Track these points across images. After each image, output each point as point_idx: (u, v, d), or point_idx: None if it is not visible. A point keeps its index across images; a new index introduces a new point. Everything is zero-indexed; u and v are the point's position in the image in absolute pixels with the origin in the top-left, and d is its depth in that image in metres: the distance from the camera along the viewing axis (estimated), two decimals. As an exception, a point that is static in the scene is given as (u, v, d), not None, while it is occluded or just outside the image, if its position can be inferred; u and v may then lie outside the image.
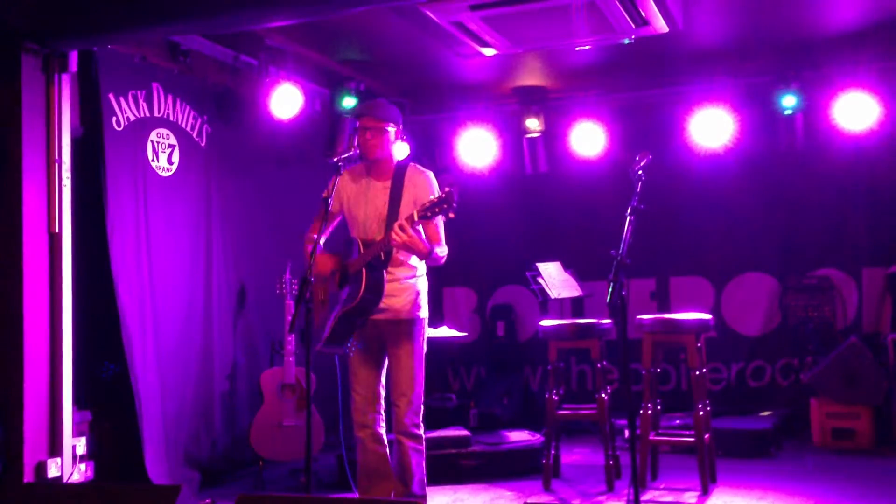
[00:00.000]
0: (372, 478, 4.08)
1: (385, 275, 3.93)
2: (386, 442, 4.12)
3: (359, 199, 4.10)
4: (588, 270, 6.53)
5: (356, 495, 4.36)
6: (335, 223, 4.23)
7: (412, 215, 3.74)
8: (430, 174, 4.10)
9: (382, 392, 4.14)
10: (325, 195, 4.07)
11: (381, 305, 3.94)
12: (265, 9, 4.31)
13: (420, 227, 3.80)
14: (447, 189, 3.65)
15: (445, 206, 3.63)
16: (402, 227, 3.71)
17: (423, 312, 4.11)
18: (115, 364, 5.02)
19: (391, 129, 4.06)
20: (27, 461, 4.35)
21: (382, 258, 3.89)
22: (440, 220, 3.94)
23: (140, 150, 5.18)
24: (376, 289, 3.88)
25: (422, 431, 4.08)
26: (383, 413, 4.14)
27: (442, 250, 3.98)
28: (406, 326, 4.04)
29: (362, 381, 4.08)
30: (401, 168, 4.10)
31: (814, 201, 6.78)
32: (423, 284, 4.12)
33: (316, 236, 3.96)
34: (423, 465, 4.09)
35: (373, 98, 6.54)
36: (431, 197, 3.74)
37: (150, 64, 5.27)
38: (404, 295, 4.03)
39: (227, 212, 5.83)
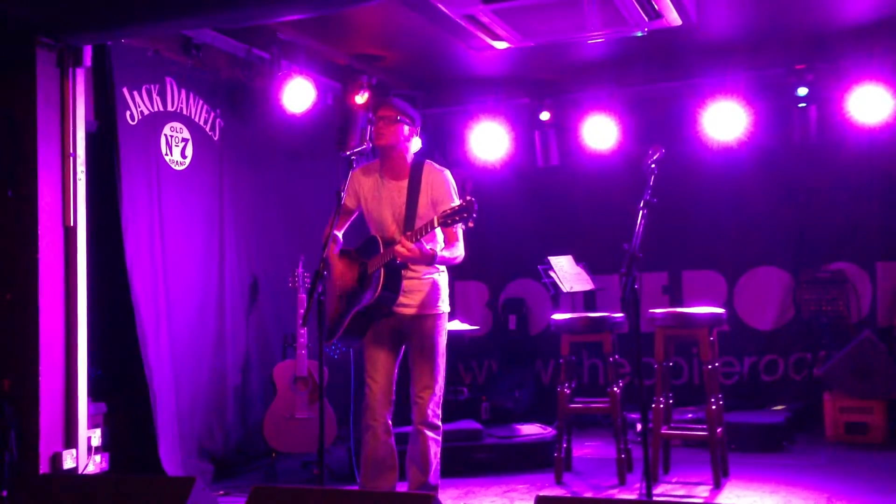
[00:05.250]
0: (378, 468, 4.10)
1: (403, 273, 3.99)
2: (394, 434, 4.15)
3: (375, 198, 4.12)
4: (600, 264, 6.53)
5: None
6: (351, 219, 4.27)
7: (425, 226, 3.79)
8: (447, 173, 4.12)
9: (395, 381, 4.16)
10: (343, 193, 4.11)
11: (403, 301, 4.01)
12: (278, 3, 4.32)
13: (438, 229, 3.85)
14: (469, 198, 3.69)
15: (465, 214, 3.68)
16: (403, 244, 3.78)
17: (445, 307, 4.16)
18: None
19: (405, 125, 4.09)
20: (43, 452, 4.39)
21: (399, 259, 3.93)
22: (459, 226, 3.97)
23: (154, 144, 5.21)
24: (393, 288, 3.96)
25: (440, 421, 4.12)
26: (393, 405, 4.16)
27: (454, 251, 4.02)
28: (428, 321, 4.08)
29: (381, 370, 4.11)
30: (417, 166, 4.11)
31: (827, 195, 6.74)
32: (443, 279, 4.17)
33: (337, 233, 4.05)
34: (440, 454, 4.13)
35: (385, 92, 6.57)
36: (453, 205, 3.78)
37: (164, 58, 5.29)
38: (425, 290, 4.07)
39: (239, 205, 5.85)
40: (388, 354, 4.12)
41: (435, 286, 4.10)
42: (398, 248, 3.80)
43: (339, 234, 4.23)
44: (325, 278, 3.74)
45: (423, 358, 4.07)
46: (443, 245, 4.04)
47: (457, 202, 3.80)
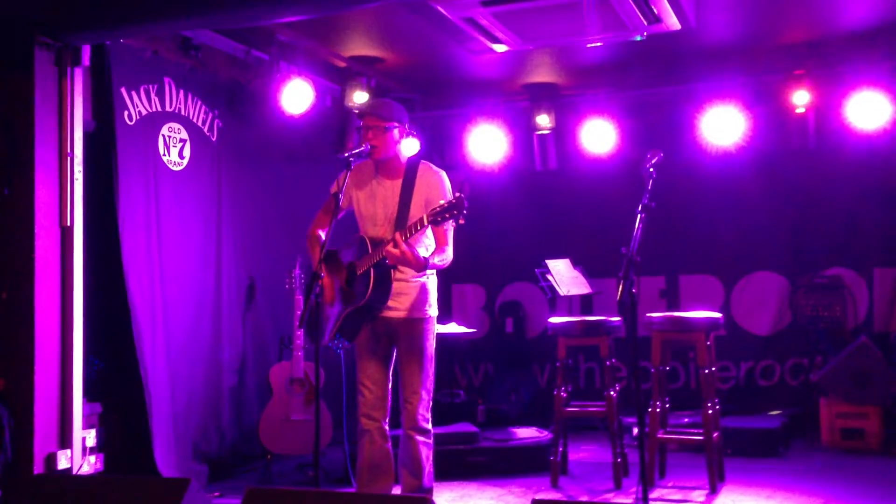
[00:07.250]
0: (374, 472, 4.09)
1: (392, 274, 3.94)
2: (390, 438, 4.14)
3: (368, 197, 4.09)
4: (597, 268, 6.54)
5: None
6: (338, 218, 4.22)
7: (414, 224, 3.74)
8: (443, 174, 4.09)
9: (390, 388, 4.15)
10: (334, 190, 4.06)
11: (391, 304, 3.97)
12: (278, 4, 4.31)
13: (428, 230, 3.80)
14: (458, 195, 3.63)
15: (455, 211, 3.61)
16: (396, 243, 3.70)
17: (433, 311, 4.12)
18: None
19: (395, 129, 4.03)
20: (37, 453, 4.38)
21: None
22: (450, 225, 3.93)
23: (151, 145, 5.20)
24: (383, 289, 3.91)
25: (430, 425, 4.10)
26: (389, 410, 4.15)
27: (444, 257, 3.95)
28: (416, 325, 4.05)
29: (372, 378, 4.09)
30: (412, 166, 4.07)
31: (825, 200, 6.75)
32: (432, 283, 4.13)
33: (322, 233, 3.97)
34: (432, 457, 4.12)
35: (383, 94, 6.55)
36: (442, 202, 3.72)
37: (162, 58, 5.28)
38: (413, 294, 4.03)
39: (237, 206, 5.85)
40: (380, 359, 4.10)
41: (424, 290, 4.06)
42: (389, 248, 3.72)
43: (323, 234, 4.20)
44: (320, 279, 3.71)
45: (411, 362, 4.03)
46: (432, 244, 4.01)
47: (447, 198, 3.75)
